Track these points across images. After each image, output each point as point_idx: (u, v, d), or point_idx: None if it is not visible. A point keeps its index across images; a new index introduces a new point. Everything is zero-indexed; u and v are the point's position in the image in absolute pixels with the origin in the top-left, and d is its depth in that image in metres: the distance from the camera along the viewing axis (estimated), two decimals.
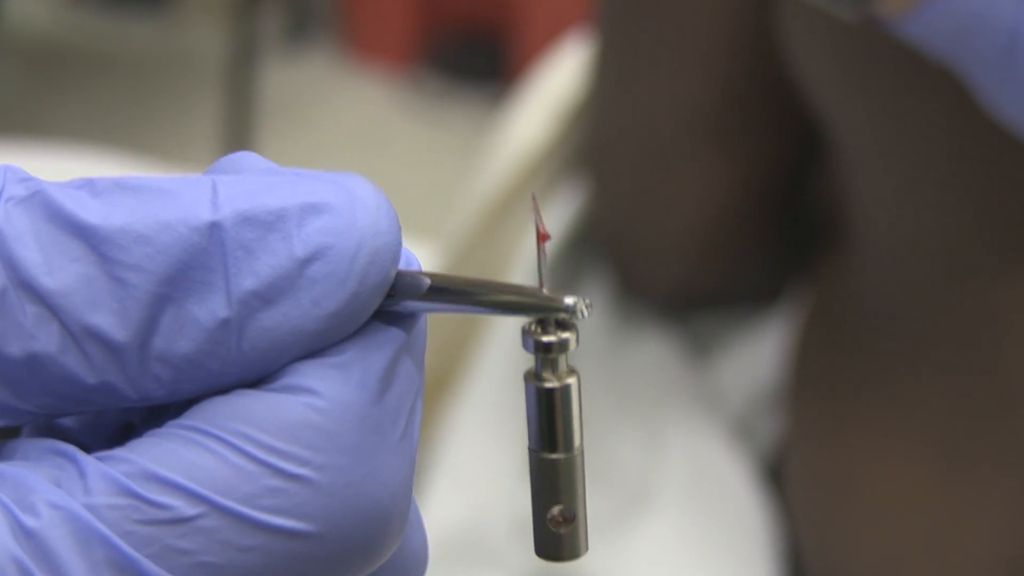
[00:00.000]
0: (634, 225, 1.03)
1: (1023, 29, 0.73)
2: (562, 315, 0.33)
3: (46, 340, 0.30)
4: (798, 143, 0.95)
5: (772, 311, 1.08)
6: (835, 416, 0.94)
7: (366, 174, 0.33)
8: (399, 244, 0.32)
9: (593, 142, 1.02)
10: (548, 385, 0.34)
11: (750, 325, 1.09)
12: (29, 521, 0.28)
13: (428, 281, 0.33)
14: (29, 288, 0.29)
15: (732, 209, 0.99)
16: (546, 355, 0.34)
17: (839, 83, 0.87)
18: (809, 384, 0.96)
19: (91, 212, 0.30)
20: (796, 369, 0.98)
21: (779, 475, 1.01)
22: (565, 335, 0.33)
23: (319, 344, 0.31)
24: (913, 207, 0.87)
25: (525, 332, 0.34)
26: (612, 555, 0.96)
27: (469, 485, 1.01)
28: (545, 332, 0.33)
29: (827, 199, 0.98)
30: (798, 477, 0.97)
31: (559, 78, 1.07)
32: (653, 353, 1.05)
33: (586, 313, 0.33)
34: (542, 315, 0.33)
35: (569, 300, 0.33)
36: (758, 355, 1.07)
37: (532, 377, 0.34)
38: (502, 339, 1.05)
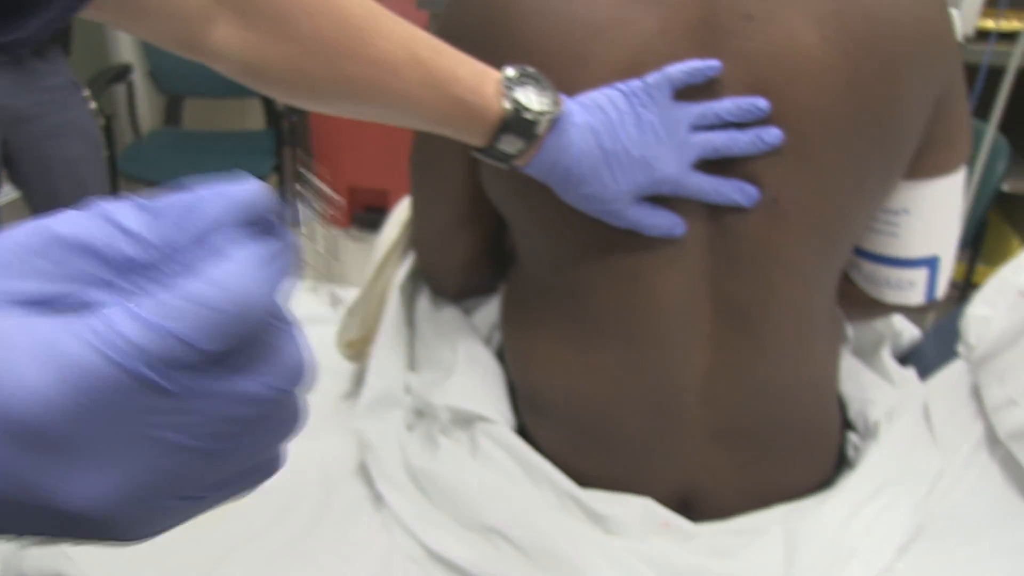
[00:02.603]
0: (433, 268, 1.06)
1: (572, 170, 0.76)
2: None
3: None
4: (499, 222, 0.96)
5: (496, 293, 1.12)
6: (519, 328, 0.97)
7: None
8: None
9: (414, 233, 1.05)
10: None
11: (487, 298, 1.13)
12: None
13: None
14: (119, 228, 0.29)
15: (476, 257, 1.01)
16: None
17: (505, 194, 0.90)
18: (508, 317, 1.00)
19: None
20: (503, 312, 1.02)
21: (502, 355, 1.04)
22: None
23: None
24: (538, 242, 0.90)
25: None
26: (442, 395, 0.99)
27: (383, 373, 1.04)
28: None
29: (510, 243, 1.00)
30: (509, 354, 1.00)
31: (400, 212, 1.11)
32: (449, 312, 1.09)
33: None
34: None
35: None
36: (490, 309, 1.12)
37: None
38: (392, 315, 1.06)
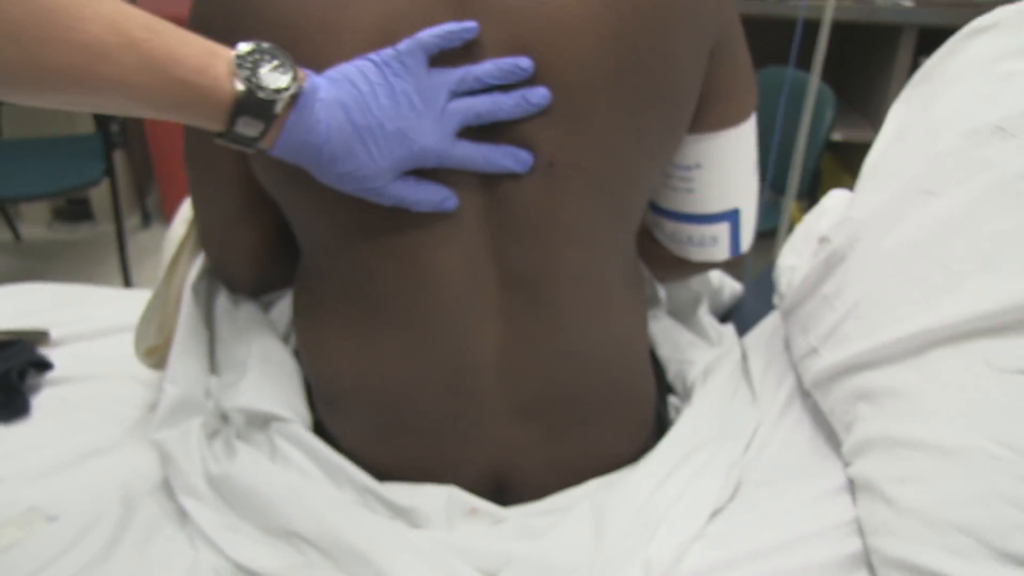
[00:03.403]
0: (222, 264, 0.99)
1: (322, 149, 0.71)
2: None
3: None
4: (280, 213, 0.89)
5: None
6: (307, 318, 0.91)
7: None
8: None
9: (199, 230, 0.98)
10: None
11: (283, 293, 1.08)
12: None
13: None
14: None
15: (266, 247, 0.94)
16: None
17: (271, 178, 0.83)
18: (297, 308, 0.94)
19: None
20: (293, 304, 0.95)
21: (297, 352, 0.98)
22: None
23: None
24: (311, 226, 0.85)
25: None
26: (235, 397, 0.94)
27: (180, 379, 0.97)
28: None
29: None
30: (300, 346, 0.95)
31: (186, 208, 1.02)
32: (247, 309, 1.03)
33: None
34: None
35: None
36: (286, 306, 1.08)
37: None
38: (187, 317, 0.99)
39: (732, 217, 0.95)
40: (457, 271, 0.80)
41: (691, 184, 0.92)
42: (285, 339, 1.02)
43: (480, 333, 0.83)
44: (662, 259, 1.01)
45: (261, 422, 0.93)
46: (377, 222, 0.79)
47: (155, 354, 1.08)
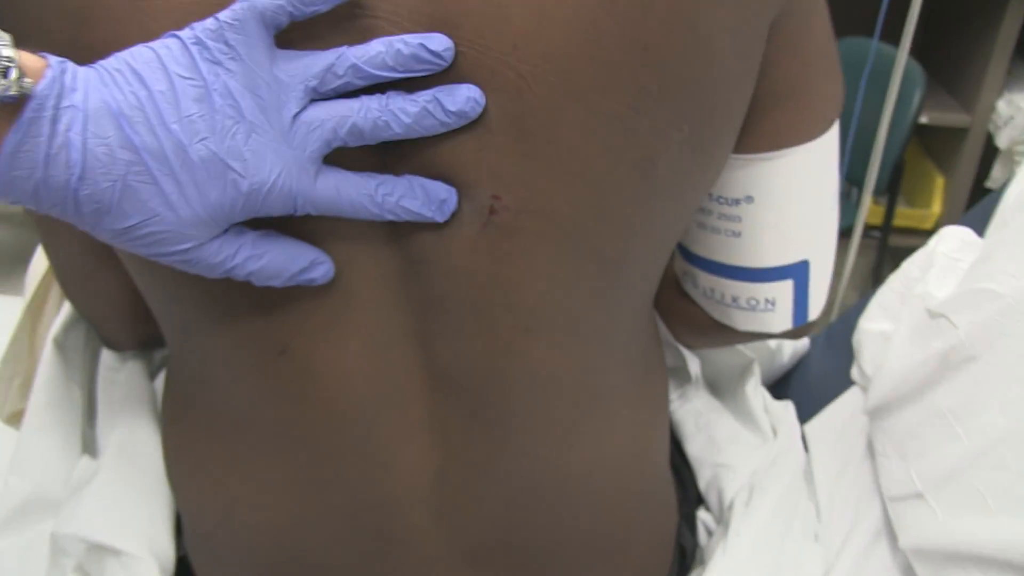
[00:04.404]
0: (87, 315, 0.74)
1: (79, 193, 0.41)
2: None
3: None
4: None
5: None
6: (170, 418, 0.66)
7: None
8: None
9: (55, 273, 0.71)
10: None
11: None
12: None
13: None
14: None
15: (136, 297, 0.64)
16: None
17: None
18: (164, 400, 0.67)
19: None
20: (164, 388, 0.69)
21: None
22: None
23: None
24: (155, 295, 0.58)
25: None
26: (71, 515, 0.69)
27: (30, 467, 0.73)
28: None
29: None
30: (164, 452, 0.69)
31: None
32: (130, 369, 0.76)
33: None
34: None
35: None
36: None
37: None
38: (46, 380, 0.75)
39: (797, 272, 0.64)
40: (356, 371, 0.52)
41: (738, 225, 0.61)
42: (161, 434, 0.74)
43: (402, 456, 0.55)
44: (694, 322, 0.71)
45: (114, 553, 0.66)
46: (236, 297, 0.51)
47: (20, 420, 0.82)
